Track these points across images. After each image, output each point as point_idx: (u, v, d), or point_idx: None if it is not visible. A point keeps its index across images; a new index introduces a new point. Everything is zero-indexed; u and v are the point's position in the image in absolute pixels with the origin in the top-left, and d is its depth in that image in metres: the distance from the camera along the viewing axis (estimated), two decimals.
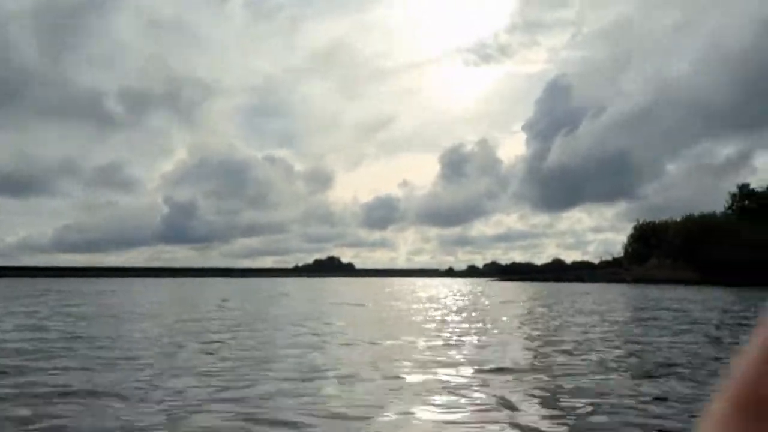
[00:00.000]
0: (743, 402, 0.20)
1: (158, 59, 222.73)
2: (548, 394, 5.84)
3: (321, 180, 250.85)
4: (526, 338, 10.92)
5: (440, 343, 9.97)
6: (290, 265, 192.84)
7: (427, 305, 22.36)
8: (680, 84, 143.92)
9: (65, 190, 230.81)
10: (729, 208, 72.20)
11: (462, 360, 8.06)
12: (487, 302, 25.00)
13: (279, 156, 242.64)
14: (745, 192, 71.00)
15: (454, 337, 10.75)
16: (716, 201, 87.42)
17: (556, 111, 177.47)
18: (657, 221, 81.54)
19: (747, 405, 0.20)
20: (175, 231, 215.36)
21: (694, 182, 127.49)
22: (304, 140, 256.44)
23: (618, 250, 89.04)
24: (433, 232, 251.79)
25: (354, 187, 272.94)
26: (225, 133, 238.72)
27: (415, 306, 21.67)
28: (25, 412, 5.07)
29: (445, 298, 29.65)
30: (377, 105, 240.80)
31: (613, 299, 26.85)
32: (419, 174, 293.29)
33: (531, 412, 5.13)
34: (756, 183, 74.64)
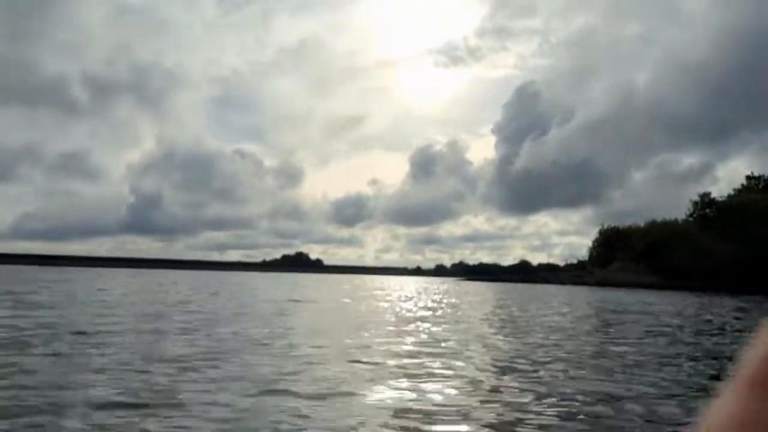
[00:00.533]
0: (759, 379, 0.20)
1: (125, 47, 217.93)
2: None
3: (290, 176, 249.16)
4: (497, 339, 11.16)
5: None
6: (258, 260, 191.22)
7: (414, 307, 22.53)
8: (645, 93, 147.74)
9: (27, 177, 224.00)
10: (690, 215, 74.43)
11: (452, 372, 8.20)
12: (466, 301, 25.35)
13: (248, 150, 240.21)
14: (706, 201, 73.27)
15: (456, 346, 10.90)
16: (679, 208, 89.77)
17: (524, 116, 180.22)
18: (621, 226, 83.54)
19: (762, 382, 0.20)
20: (140, 222, 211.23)
21: (658, 190, 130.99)
22: (273, 136, 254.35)
23: (583, 254, 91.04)
24: (402, 230, 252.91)
25: (323, 184, 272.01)
26: (193, 125, 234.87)
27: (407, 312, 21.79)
28: None
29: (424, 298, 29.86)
30: (348, 103, 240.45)
31: (583, 302, 27.50)
32: (389, 173, 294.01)
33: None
34: (717, 192, 77.18)
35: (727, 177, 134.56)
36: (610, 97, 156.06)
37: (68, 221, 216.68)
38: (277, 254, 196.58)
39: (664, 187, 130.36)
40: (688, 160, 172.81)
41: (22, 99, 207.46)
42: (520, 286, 62.60)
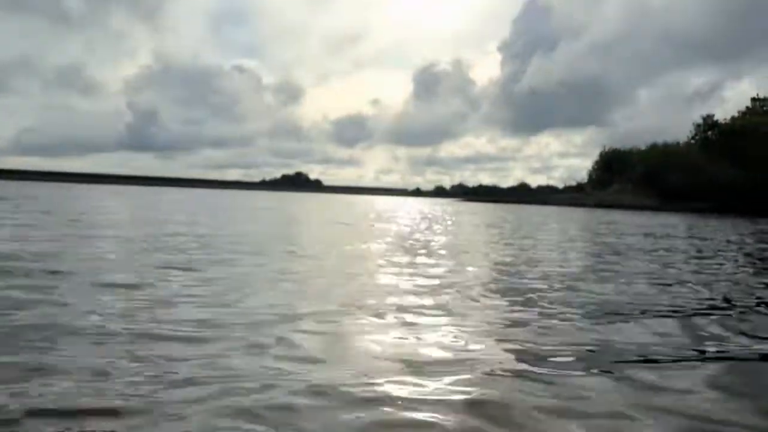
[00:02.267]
0: None
1: None
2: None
3: (289, 94, 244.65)
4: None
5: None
6: (257, 179, 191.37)
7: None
8: (658, 11, 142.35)
9: (24, 90, 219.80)
10: (692, 138, 73.92)
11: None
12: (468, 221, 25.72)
13: (247, 66, 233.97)
14: (709, 123, 72.51)
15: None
16: (685, 130, 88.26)
17: (532, 32, 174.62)
18: (622, 149, 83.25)
19: None
20: (139, 138, 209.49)
21: (663, 111, 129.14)
22: (271, 51, 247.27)
23: (583, 176, 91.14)
24: (403, 151, 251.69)
25: (323, 103, 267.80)
26: (190, 38, 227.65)
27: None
28: None
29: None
30: (347, 18, 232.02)
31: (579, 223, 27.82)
32: (390, 92, 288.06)
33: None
34: (724, 114, 76.10)
35: (736, 98, 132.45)
36: (623, 13, 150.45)
37: (66, 137, 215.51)
38: (277, 174, 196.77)
39: (670, 109, 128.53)
40: (697, 79, 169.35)
41: (15, 7, 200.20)
42: (517, 206, 63.07)
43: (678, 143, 74.92)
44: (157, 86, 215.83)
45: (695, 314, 5.07)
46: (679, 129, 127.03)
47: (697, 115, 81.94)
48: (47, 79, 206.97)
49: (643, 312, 5.05)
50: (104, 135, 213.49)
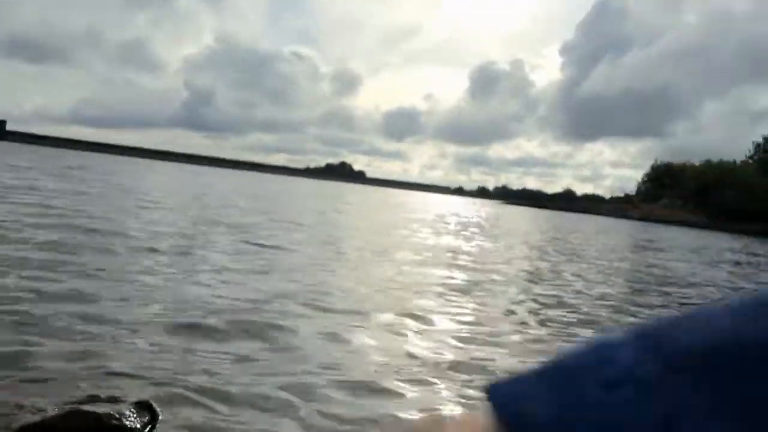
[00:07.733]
0: None
1: None
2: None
3: (343, 83, 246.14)
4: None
5: None
6: (302, 166, 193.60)
7: None
8: (742, 21, 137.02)
9: (86, 62, 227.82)
10: (750, 157, 71.52)
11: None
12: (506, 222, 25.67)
13: (305, 54, 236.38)
14: None
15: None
16: (744, 149, 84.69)
17: (601, 35, 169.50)
18: (675, 163, 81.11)
19: None
20: (193, 117, 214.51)
21: (726, 127, 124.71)
22: (328, 40, 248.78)
23: (632, 188, 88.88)
24: (451, 148, 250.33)
25: (376, 95, 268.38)
26: (251, 22, 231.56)
27: None
28: None
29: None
30: (404, 11, 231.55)
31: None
32: (444, 88, 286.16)
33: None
34: None
35: None
36: (703, 21, 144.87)
37: (123, 110, 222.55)
38: (322, 162, 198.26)
39: (734, 125, 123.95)
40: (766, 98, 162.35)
41: None
42: (558, 213, 62.07)
43: (735, 162, 72.61)
44: (215, 67, 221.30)
45: None
46: (739, 147, 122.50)
47: (759, 135, 79.04)
48: (110, 53, 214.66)
49: None
50: (159, 111, 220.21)
